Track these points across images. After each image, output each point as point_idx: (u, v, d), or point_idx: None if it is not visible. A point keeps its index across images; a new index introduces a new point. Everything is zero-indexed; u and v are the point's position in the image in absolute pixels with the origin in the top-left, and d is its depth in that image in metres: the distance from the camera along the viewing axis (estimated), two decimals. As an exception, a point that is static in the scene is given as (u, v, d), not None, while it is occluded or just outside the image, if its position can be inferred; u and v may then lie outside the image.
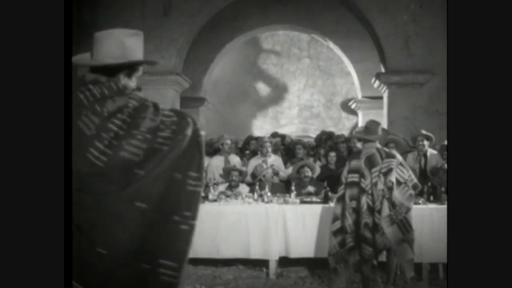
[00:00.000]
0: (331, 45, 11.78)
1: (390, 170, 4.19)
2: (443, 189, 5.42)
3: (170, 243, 1.89)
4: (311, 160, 6.67)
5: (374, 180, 4.19)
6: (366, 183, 4.22)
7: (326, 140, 7.68)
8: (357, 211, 4.24)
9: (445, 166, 5.65)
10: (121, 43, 1.97)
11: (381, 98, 8.82)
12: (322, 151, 7.27)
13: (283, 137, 8.28)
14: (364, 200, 4.20)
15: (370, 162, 4.25)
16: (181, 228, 1.91)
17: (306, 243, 5.11)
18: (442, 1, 7.57)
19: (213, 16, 8.84)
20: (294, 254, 5.15)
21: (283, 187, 6.36)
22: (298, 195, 5.67)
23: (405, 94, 7.95)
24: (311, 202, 5.41)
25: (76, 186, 1.81)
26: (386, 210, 4.13)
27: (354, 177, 4.28)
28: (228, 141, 6.96)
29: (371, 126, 4.46)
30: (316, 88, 14.02)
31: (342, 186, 4.37)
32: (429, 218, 4.95)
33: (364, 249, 4.18)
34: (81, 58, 2.11)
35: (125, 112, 1.88)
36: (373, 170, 4.22)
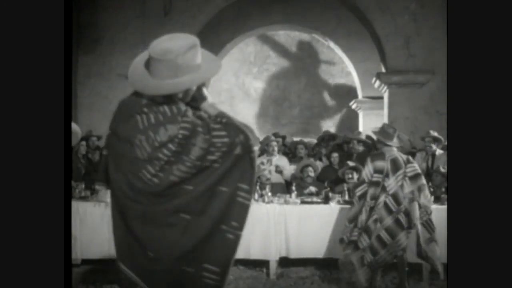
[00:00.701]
0: (332, 45, 11.78)
1: (418, 175, 4.47)
2: (443, 189, 5.43)
3: (216, 250, 2.01)
4: (312, 160, 6.68)
5: (399, 183, 4.40)
6: (388, 183, 4.41)
7: (331, 140, 7.65)
8: (373, 208, 4.44)
9: (442, 169, 5.65)
10: (174, 64, 1.91)
11: (381, 98, 8.82)
12: (323, 151, 7.26)
13: (283, 137, 8.28)
14: (383, 198, 4.38)
15: (395, 165, 4.45)
16: (227, 237, 2.01)
17: (307, 243, 5.10)
18: (442, 1, 7.57)
19: (213, 16, 8.84)
20: (295, 254, 5.15)
21: (284, 188, 6.36)
22: (299, 195, 5.66)
23: (405, 94, 7.95)
24: (311, 203, 5.41)
25: (129, 196, 1.96)
26: (417, 212, 4.38)
27: (379, 177, 4.45)
28: None
29: (389, 130, 4.65)
30: (317, 88, 14.01)
31: (365, 185, 4.50)
32: (429, 218, 4.95)
33: (362, 239, 4.36)
34: (136, 74, 2.00)
35: (175, 142, 1.91)
36: (398, 173, 4.42)
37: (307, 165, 6.16)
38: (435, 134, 6.40)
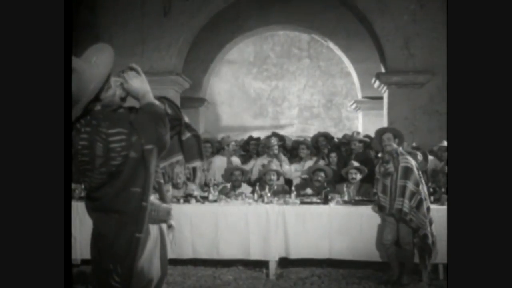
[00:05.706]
0: (331, 45, 11.76)
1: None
2: (443, 190, 5.42)
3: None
4: (322, 163, 6.66)
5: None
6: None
7: (331, 140, 7.64)
8: None
9: (445, 169, 5.65)
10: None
11: (381, 98, 8.82)
12: (325, 150, 7.26)
13: (283, 137, 8.26)
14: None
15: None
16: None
17: (306, 243, 5.11)
18: (442, 2, 7.57)
19: (213, 16, 8.83)
20: (294, 255, 5.15)
21: (283, 188, 6.36)
22: (298, 195, 5.66)
23: (405, 94, 7.94)
24: (311, 203, 5.41)
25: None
26: None
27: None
28: (233, 143, 7.02)
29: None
30: (316, 88, 14.01)
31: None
32: (429, 219, 4.96)
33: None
34: None
35: (79, 156, 2.05)
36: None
37: (319, 169, 6.13)
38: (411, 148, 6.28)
